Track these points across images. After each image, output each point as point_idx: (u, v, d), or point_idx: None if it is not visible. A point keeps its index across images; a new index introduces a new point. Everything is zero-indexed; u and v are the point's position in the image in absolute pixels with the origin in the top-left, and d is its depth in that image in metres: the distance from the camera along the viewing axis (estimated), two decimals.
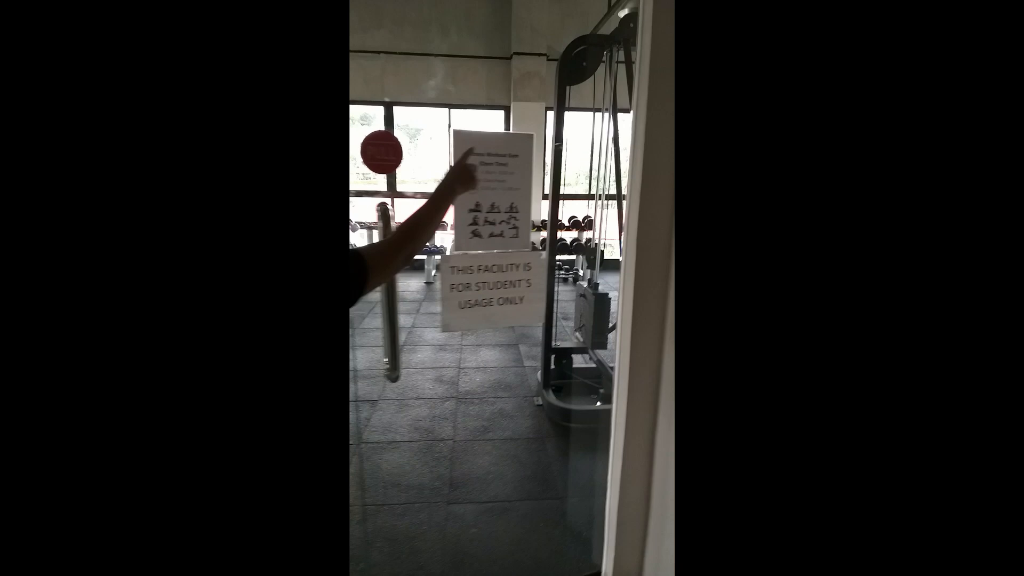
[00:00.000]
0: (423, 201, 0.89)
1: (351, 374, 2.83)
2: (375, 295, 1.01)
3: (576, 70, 2.40)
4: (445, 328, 1.22)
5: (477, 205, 1.18)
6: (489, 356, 3.48)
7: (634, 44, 1.14)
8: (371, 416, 2.68)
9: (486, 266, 1.22)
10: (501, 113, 5.97)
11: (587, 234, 4.87)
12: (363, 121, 5.93)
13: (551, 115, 2.51)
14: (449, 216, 1.03)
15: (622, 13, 2.17)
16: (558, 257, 5.24)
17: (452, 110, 5.95)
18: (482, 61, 5.76)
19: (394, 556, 1.74)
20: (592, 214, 3.07)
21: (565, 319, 3.64)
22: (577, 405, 2.56)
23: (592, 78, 2.51)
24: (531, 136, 1.20)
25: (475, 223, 1.19)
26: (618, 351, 1.14)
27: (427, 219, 0.86)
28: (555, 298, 2.75)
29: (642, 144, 1.00)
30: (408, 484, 2.11)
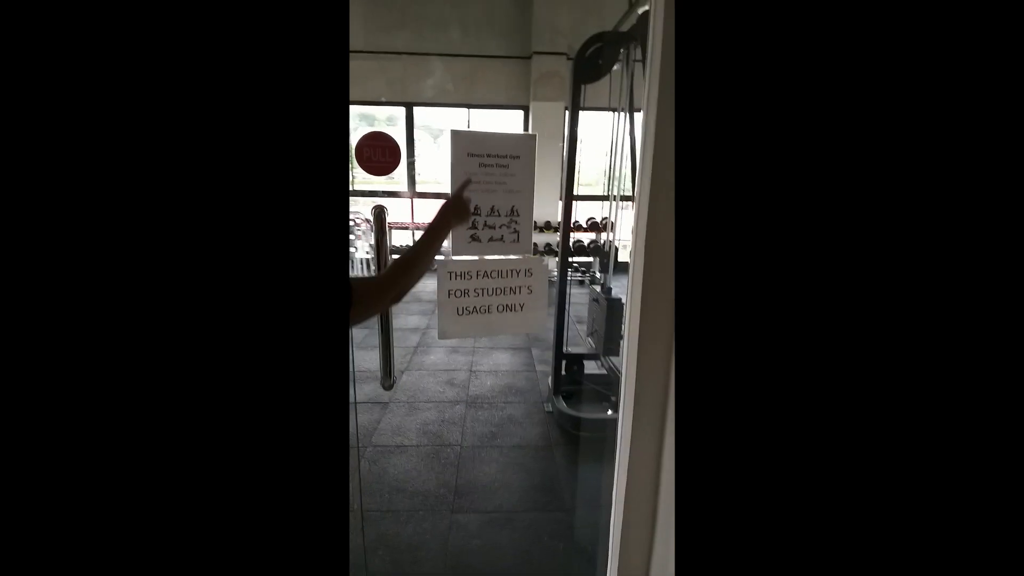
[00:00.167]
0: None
1: (356, 376, 2.82)
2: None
3: (592, 68, 2.34)
4: (442, 335, 1.18)
5: (476, 208, 1.13)
6: (501, 359, 3.44)
7: None
8: (381, 418, 2.67)
9: (485, 272, 1.17)
10: (520, 113, 5.93)
11: (603, 236, 4.79)
12: (390, 122, 5.97)
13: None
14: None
15: (642, 10, 2.10)
16: (575, 259, 5.20)
17: (471, 110, 5.93)
18: (502, 61, 5.72)
19: (395, 564, 1.71)
20: (607, 215, 2.99)
21: (580, 323, 3.57)
22: (587, 413, 2.49)
23: (609, 76, 2.43)
24: (533, 136, 1.14)
25: (474, 227, 1.14)
26: (624, 360, 1.08)
27: (422, 253, 0.86)
28: (568, 301, 2.68)
29: (652, 144, 0.94)
30: (414, 490, 2.08)
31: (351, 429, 2.43)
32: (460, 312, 1.17)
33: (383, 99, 5.65)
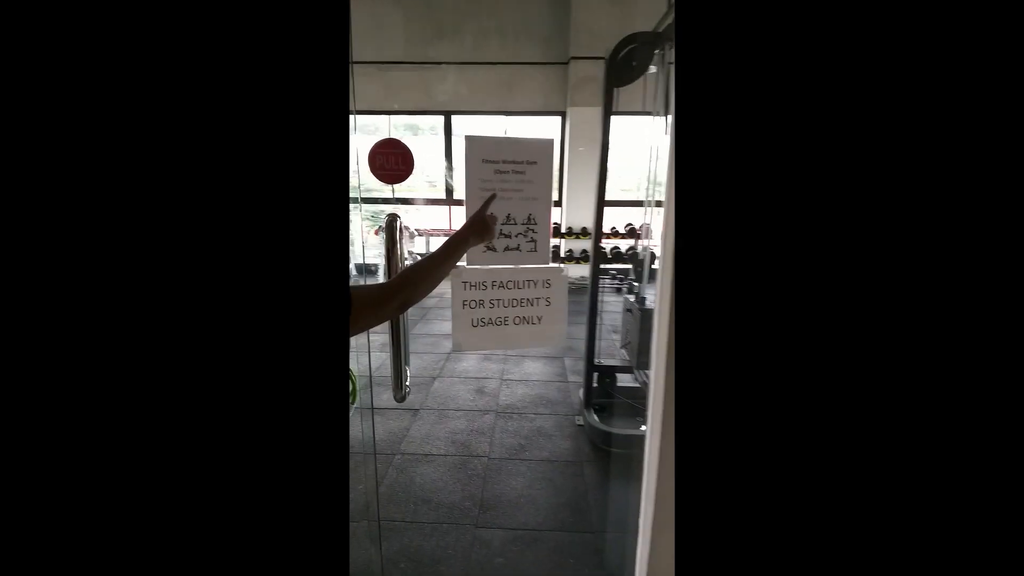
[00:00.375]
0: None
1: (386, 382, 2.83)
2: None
3: (625, 70, 2.26)
4: (456, 347, 1.14)
5: (492, 217, 1.08)
6: (533, 368, 3.37)
7: None
8: (411, 425, 2.66)
9: (501, 282, 1.12)
10: (558, 119, 5.87)
11: (639, 243, 4.66)
12: (432, 131, 6.05)
13: None
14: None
15: None
16: (612, 266, 5.06)
17: (508, 117, 5.92)
18: (539, 67, 5.69)
19: None
20: (643, 221, 2.88)
21: (615, 332, 3.46)
22: (619, 428, 2.38)
23: (643, 79, 2.35)
24: (551, 141, 1.09)
25: None
26: (653, 373, 1.00)
27: (432, 267, 0.79)
28: (599, 310, 2.59)
29: (674, 147, 0.87)
30: (439, 502, 2.05)
31: (375, 436, 2.44)
32: (475, 324, 1.13)
33: (421, 108, 5.73)
